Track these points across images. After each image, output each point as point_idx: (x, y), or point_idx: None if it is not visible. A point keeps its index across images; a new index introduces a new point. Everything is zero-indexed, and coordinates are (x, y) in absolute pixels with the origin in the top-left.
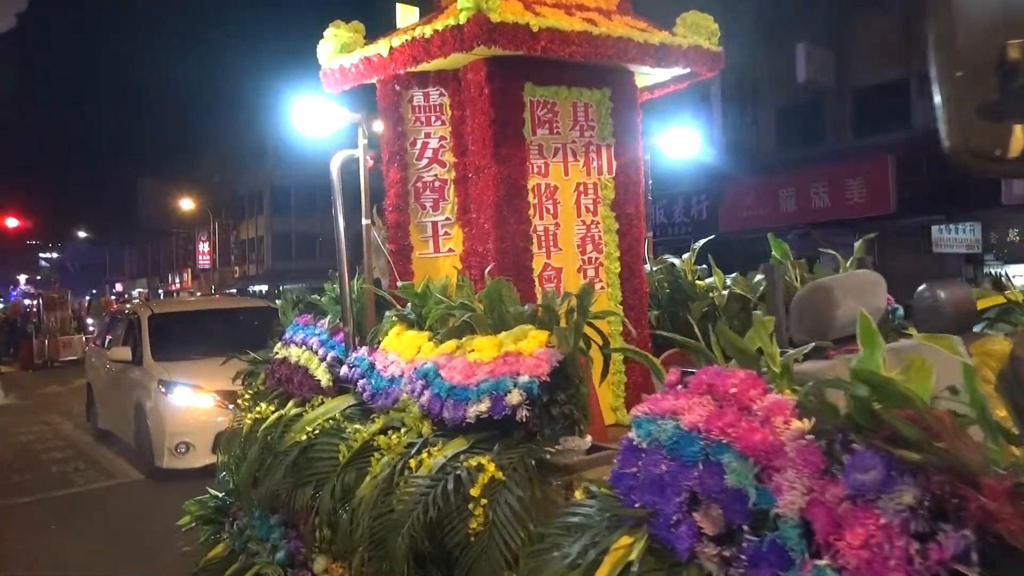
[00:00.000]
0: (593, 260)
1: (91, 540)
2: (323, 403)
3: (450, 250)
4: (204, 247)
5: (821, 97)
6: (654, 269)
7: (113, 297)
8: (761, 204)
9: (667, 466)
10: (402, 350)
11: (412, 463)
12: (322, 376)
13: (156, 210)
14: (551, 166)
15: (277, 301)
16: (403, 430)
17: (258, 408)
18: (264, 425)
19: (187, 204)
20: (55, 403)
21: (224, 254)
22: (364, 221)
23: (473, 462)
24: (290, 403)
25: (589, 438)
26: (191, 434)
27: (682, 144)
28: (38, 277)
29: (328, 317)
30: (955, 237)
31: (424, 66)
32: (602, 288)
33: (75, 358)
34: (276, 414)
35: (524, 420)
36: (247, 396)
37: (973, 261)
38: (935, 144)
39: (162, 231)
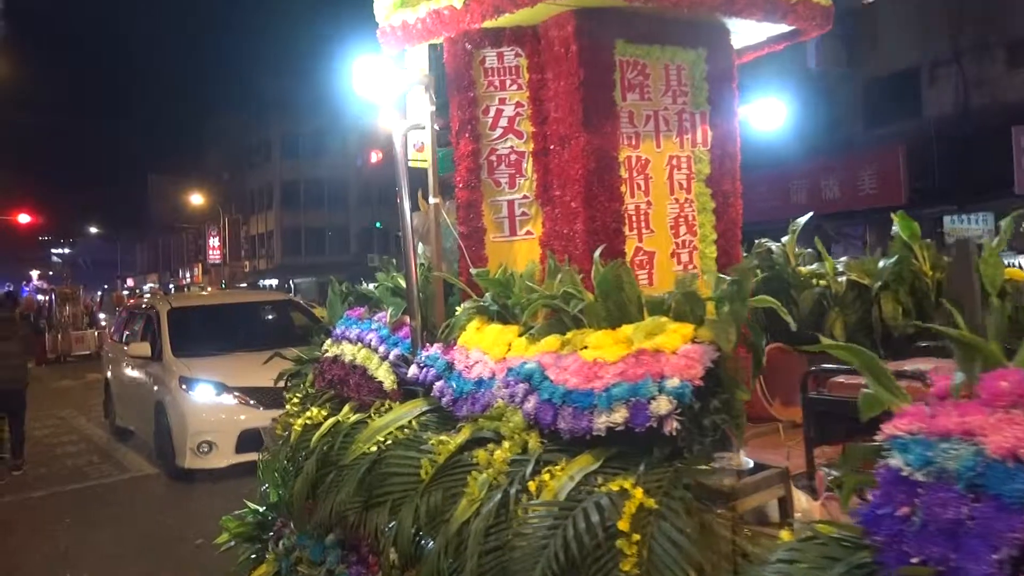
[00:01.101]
0: (687, 243)
1: (105, 533)
2: (390, 408)
3: (528, 233)
4: (214, 242)
5: (831, 86)
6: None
7: (125, 292)
8: (773, 196)
9: (972, 508)
10: (487, 347)
11: (531, 486)
12: (385, 377)
13: (166, 206)
14: (642, 136)
15: (294, 294)
16: (505, 443)
17: (308, 413)
18: (318, 433)
19: (197, 200)
20: (69, 398)
21: (234, 249)
22: (431, 200)
23: (613, 486)
24: (345, 408)
25: (745, 457)
26: (214, 433)
27: (768, 116)
28: (51, 273)
29: (390, 310)
30: (967, 227)
31: (501, 20)
32: (696, 276)
33: (88, 353)
34: (330, 420)
35: (673, 433)
36: (295, 399)
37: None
38: (947, 134)
39: (172, 227)
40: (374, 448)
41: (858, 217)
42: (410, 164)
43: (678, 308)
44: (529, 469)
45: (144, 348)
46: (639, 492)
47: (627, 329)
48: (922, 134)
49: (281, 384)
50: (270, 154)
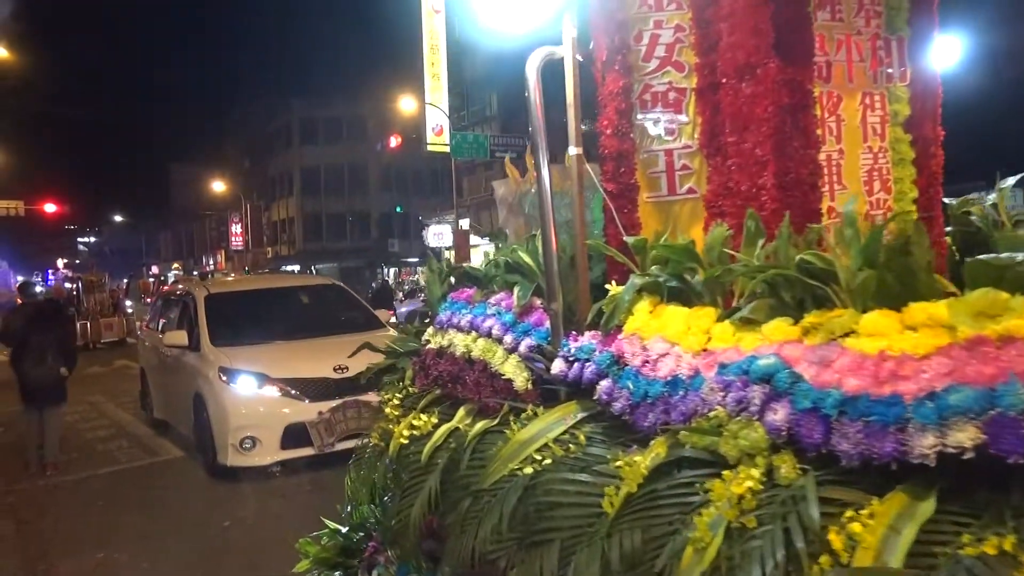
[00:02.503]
0: (882, 203)
1: (136, 515)
2: (535, 415)
3: (690, 191)
4: (237, 229)
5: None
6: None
7: (151, 279)
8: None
9: None
10: (674, 335)
11: (835, 541)
12: (515, 374)
13: (188, 194)
14: (834, 67)
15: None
16: (741, 469)
17: (412, 419)
18: (430, 444)
19: (219, 187)
20: (97, 384)
21: (256, 235)
22: (573, 150)
23: (988, 548)
24: (460, 412)
25: None
26: (257, 428)
27: (944, 53)
28: (77, 261)
29: (516, 291)
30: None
31: None
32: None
33: (116, 339)
34: (444, 428)
35: None
36: (395, 400)
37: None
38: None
39: (195, 214)
40: (528, 469)
41: None
42: (428, 148)
43: (1017, 277)
44: (812, 511)
45: (180, 337)
46: None
47: (934, 309)
48: (946, 108)
49: (337, 375)
50: (290, 140)
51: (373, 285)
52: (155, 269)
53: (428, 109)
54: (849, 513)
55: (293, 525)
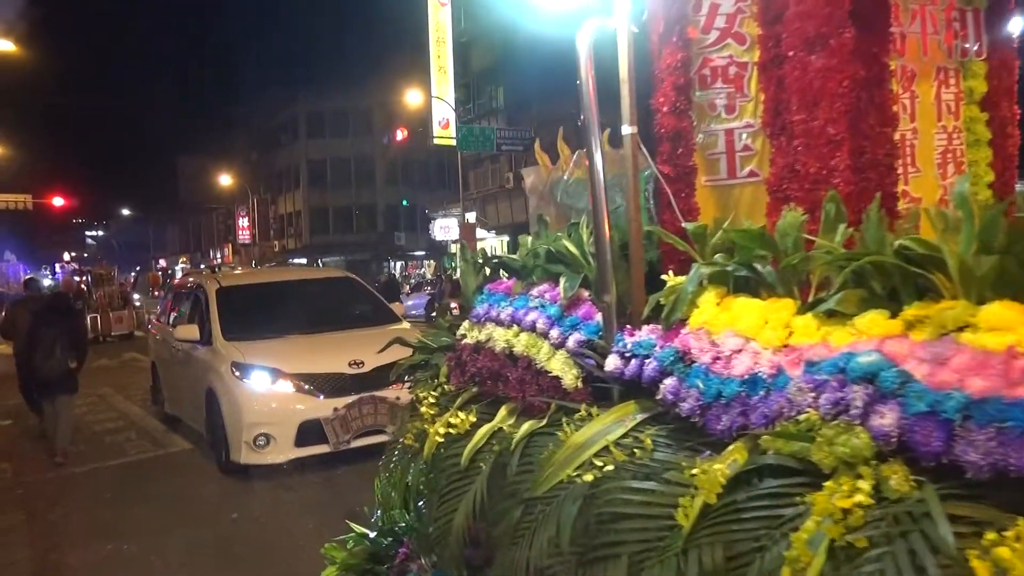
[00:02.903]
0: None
1: (144, 507)
2: (589, 416)
3: (751, 174)
4: (244, 222)
5: None
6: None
7: (159, 272)
8: None
9: None
10: (748, 329)
11: (979, 569)
12: (563, 371)
13: (196, 187)
14: (908, 39)
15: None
16: (841, 481)
17: (450, 417)
18: (471, 446)
19: (226, 180)
20: (106, 377)
21: (263, 229)
22: (627, 129)
23: None
24: (502, 411)
25: None
26: (271, 425)
27: None
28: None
29: (563, 282)
30: None
31: None
32: None
33: (126, 332)
34: (484, 428)
35: None
36: (430, 398)
37: None
38: None
39: (202, 207)
40: (588, 476)
41: None
42: (435, 141)
43: None
44: (943, 531)
45: (192, 331)
46: None
47: None
48: None
49: (353, 371)
50: (297, 133)
51: (380, 278)
52: (162, 262)
53: (434, 102)
54: (991, 536)
55: (301, 518)
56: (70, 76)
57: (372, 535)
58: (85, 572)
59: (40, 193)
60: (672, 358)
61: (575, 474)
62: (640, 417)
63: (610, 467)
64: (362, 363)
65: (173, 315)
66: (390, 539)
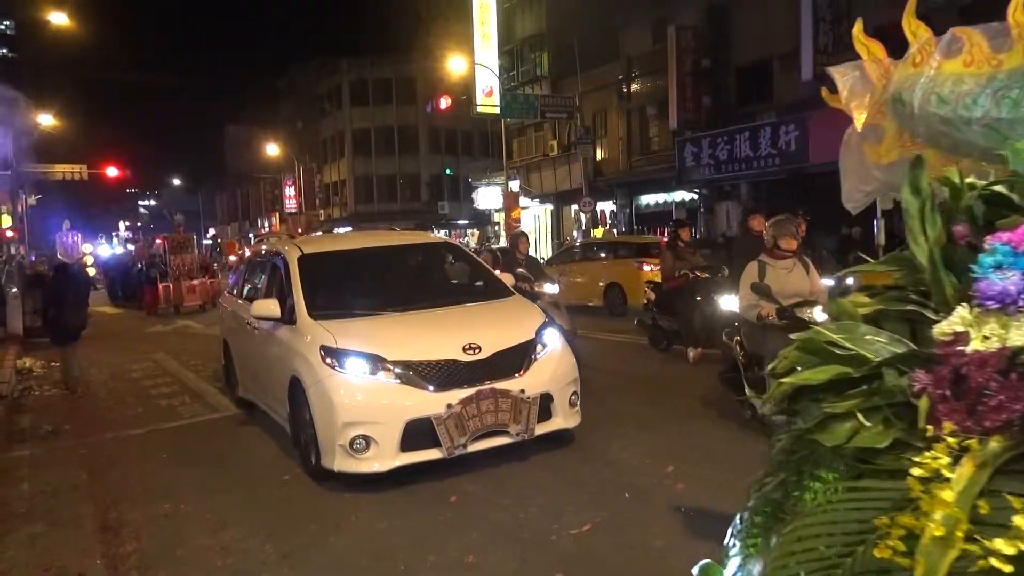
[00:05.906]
0: None
1: (199, 468)
2: None
3: None
4: (290, 191)
5: None
6: None
7: (237, 239)
8: None
9: None
10: None
11: None
12: None
13: (243, 156)
14: None
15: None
16: None
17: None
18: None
19: (273, 149)
20: (160, 342)
21: (309, 198)
22: None
23: None
24: None
25: None
26: (372, 424)
27: None
28: (139, 224)
29: None
30: None
31: None
32: None
33: (200, 304)
34: None
35: None
36: (937, 460)
37: None
38: None
39: (250, 177)
40: None
41: None
42: (479, 110)
43: None
44: None
45: (271, 307)
46: None
47: None
48: None
49: (468, 357)
50: (341, 102)
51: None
52: (212, 231)
53: (478, 70)
54: None
55: (346, 476)
56: (123, 49)
57: None
58: (146, 529)
59: (95, 164)
60: None
61: None
62: None
63: None
64: (478, 347)
65: (247, 287)
66: None
